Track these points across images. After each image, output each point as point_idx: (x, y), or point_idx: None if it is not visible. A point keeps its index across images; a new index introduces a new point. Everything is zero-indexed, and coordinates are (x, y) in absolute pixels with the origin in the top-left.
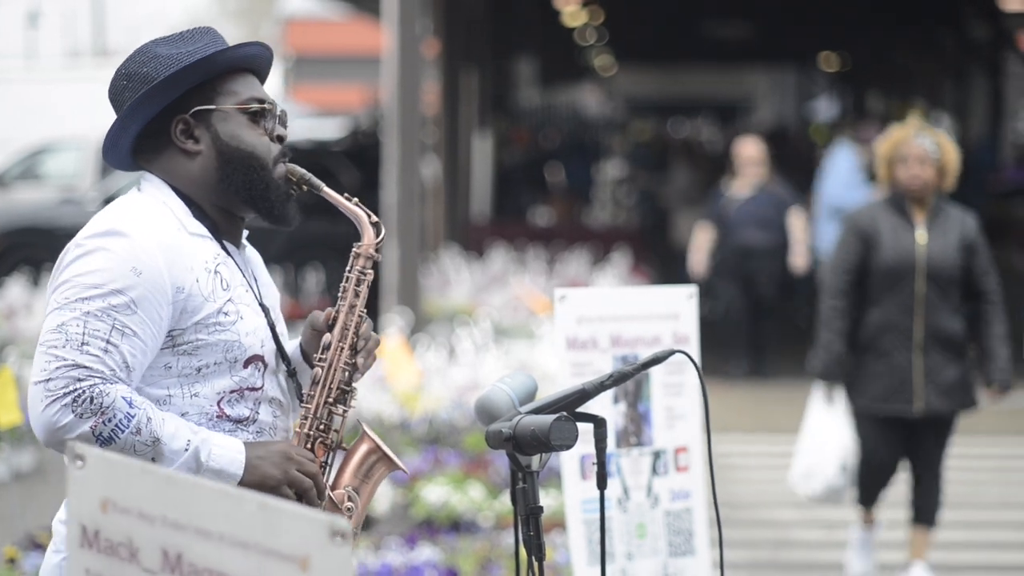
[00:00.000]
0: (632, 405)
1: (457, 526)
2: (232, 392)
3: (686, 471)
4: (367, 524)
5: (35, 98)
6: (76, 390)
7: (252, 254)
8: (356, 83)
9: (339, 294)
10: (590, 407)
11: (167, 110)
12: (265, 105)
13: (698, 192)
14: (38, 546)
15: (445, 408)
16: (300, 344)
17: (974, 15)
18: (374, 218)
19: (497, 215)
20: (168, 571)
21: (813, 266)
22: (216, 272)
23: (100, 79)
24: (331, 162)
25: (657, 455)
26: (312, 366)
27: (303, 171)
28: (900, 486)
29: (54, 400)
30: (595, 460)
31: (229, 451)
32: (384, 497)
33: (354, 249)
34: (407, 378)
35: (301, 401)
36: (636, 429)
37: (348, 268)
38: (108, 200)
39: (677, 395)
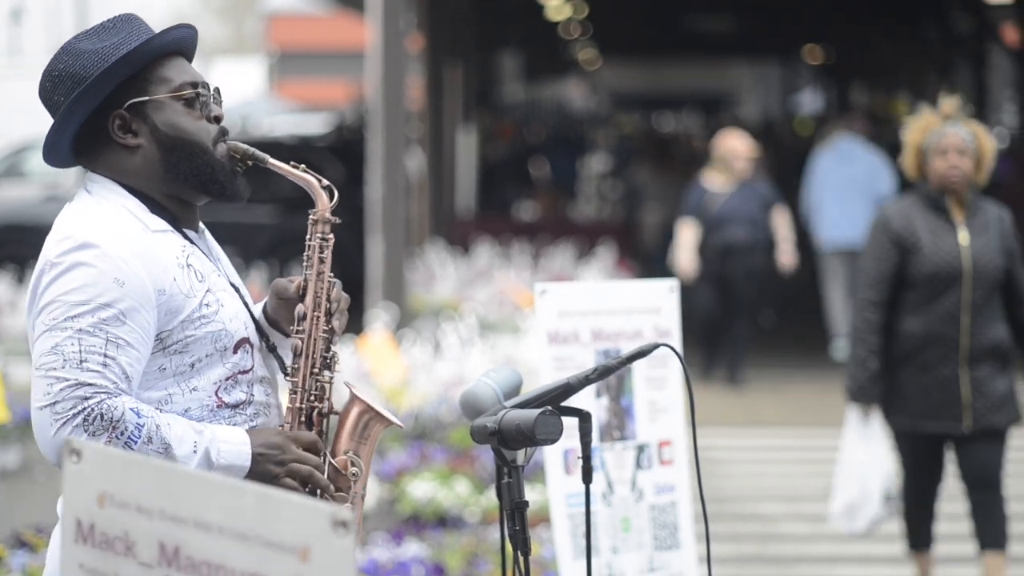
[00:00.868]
0: (615, 399)
1: (443, 521)
2: (227, 379)
3: (670, 465)
4: None
5: (19, 95)
6: (85, 408)
7: (209, 236)
8: (340, 78)
9: (304, 263)
10: (572, 402)
11: (101, 106)
12: (199, 89)
13: (661, 190)
14: (24, 544)
15: (431, 403)
16: (265, 311)
17: (958, 7)
18: (324, 182)
19: (482, 210)
20: (165, 564)
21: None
22: (188, 265)
23: None
24: (316, 157)
25: (641, 449)
26: (283, 333)
27: (245, 146)
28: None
29: (64, 422)
30: (579, 454)
31: (235, 445)
32: (370, 493)
33: (311, 216)
34: (392, 373)
35: (286, 375)
36: (619, 423)
37: (308, 236)
38: None
39: (660, 389)
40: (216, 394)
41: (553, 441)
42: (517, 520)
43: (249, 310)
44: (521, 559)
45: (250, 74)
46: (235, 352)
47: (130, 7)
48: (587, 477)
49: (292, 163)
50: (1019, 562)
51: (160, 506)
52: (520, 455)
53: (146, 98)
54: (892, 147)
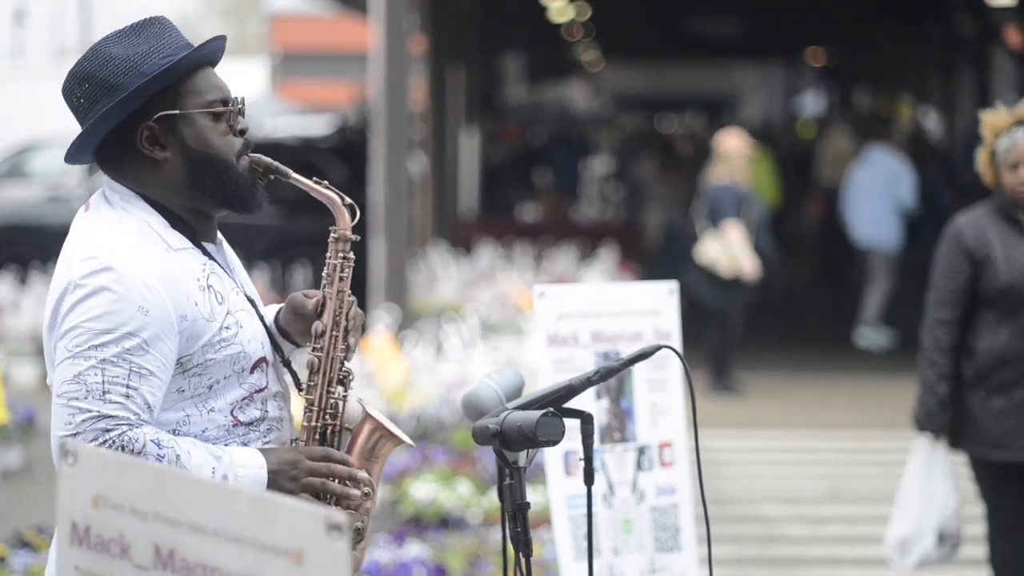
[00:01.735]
0: (615, 401)
1: (445, 523)
2: (243, 399)
3: (671, 466)
4: None
5: (22, 96)
6: (106, 441)
7: (226, 246)
8: (343, 80)
9: (324, 281)
10: (574, 403)
11: (130, 116)
12: (229, 106)
13: (665, 191)
14: (26, 545)
15: (433, 405)
16: (277, 320)
17: (961, 10)
18: (347, 200)
19: (485, 211)
20: (160, 567)
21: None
22: (209, 287)
23: None
24: (319, 159)
25: (641, 451)
26: (292, 342)
27: (268, 160)
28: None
29: None
30: (581, 456)
31: (252, 468)
32: None
33: (332, 234)
34: (395, 375)
35: (300, 390)
36: (620, 425)
37: (329, 255)
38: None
39: (660, 391)
40: (232, 414)
41: (555, 443)
42: (519, 521)
43: (265, 325)
44: (523, 560)
45: (253, 75)
46: (252, 372)
47: (133, 8)
48: (589, 479)
49: (315, 179)
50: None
51: (155, 508)
52: (522, 456)
53: (176, 111)
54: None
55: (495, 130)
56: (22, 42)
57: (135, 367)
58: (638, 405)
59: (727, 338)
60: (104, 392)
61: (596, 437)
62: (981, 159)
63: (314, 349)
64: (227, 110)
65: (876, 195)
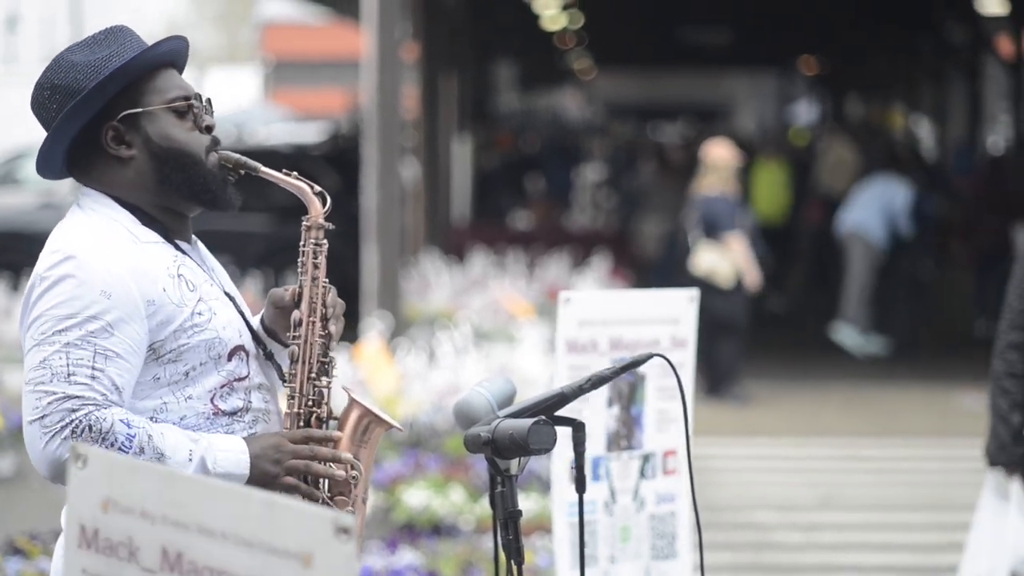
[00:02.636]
0: (625, 408)
1: (438, 530)
2: (222, 387)
3: (674, 474)
4: None
5: (14, 102)
6: (72, 421)
7: (202, 246)
8: (336, 87)
9: (299, 269)
10: (584, 411)
11: (95, 118)
12: (191, 100)
13: (664, 200)
14: (18, 551)
15: (425, 412)
16: (262, 321)
17: (952, 19)
18: (317, 188)
19: (477, 219)
20: (168, 570)
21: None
22: (179, 275)
23: None
24: (311, 166)
25: (646, 458)
26: (280, 342)
27: (236, 156)
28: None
29: (53, 435)
30: (573, 464)
31: (233, 452)
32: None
33: (304, 223)
34: (387, 382)
35: (284, 381)
36: (627, 432)
37: (302, 242)
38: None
39: (671, 399)
40: (212, 402)
41: (546, 451)
42: (511, 529)
43: (245, 318)
44: (514, 568)
45: (246, 83)
46: (229, 360)
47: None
48: (580, 487)
49: (284, 170)
50: None
51: (164, 512)
52: (513, 464)
53: (139, 109)
54: (888, 156)
55: (488, 138)
56: (15, 48)
57: (100, 349)
58: (647, 413)
59: (736, 346)
60: (69, 374)
61: (603, 444)
62: None
63: (293, 338)
64: (189, 105)
65: (870, 198)
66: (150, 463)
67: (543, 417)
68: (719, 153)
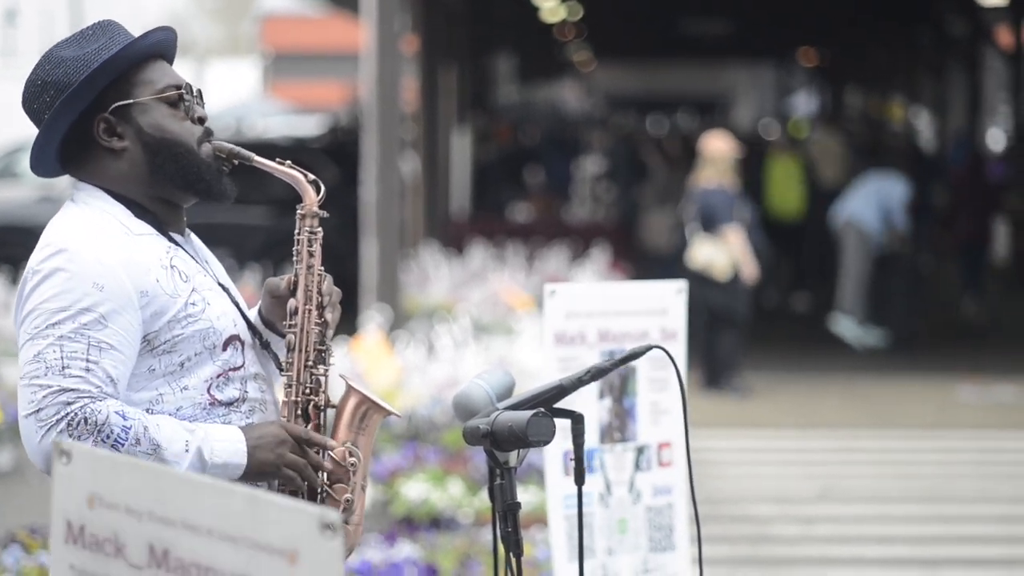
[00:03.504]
0: (617, 400)
1: (437, 523)
2: (218, 376)
3: (669, 466)
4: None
5: (13, 96)
6: (68, 414)
7: (195, 239)
8: (335, 80)
9: (294, 258)
10: (576, 403)
11: (86, 112)
12: (182, 91)
13: (671, 192)
14: (17, 543)
15: (424, 405)
16: (260, 312)
17: (952, 10)
18: (311, 176)
19: (476, 211)
20: (155, 566)
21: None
22: (172, 267)
23: None
24: (310, 159)
25: (640, 450)
26: (279, 333)
27: (230, 146)
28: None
29: (49, 428)
30: (572, 456)
31: (230, 443)
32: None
33: (299, 211)
34: (386, 375)
35: (281, 370)
36: (620, 424)
37: (297, 231)
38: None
39: (662, 390)
40: (208, 392)
41: (545, 443)
42: (509, 521)
43: (239, 308)
44: (513, 560)
45: (244, 75)
46: (224, 349)
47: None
48: (579, 479)
49: (278, 160)
50: (985, 564)
51: (149, 508)
52: (512, 457)
53: (130, 101)
54: (886, 152)
55: (487, 130)
56: (13, 41)
57: (94, 341)
58: (640, 404)
59: (735, 339)
60: (64, 367)
61: (596, 436)
62: None
63: (289, 327)
64: (180, 94)
65: (866, 192)
66: (133, 459)
67: (542, 409)
68: (717, 145)
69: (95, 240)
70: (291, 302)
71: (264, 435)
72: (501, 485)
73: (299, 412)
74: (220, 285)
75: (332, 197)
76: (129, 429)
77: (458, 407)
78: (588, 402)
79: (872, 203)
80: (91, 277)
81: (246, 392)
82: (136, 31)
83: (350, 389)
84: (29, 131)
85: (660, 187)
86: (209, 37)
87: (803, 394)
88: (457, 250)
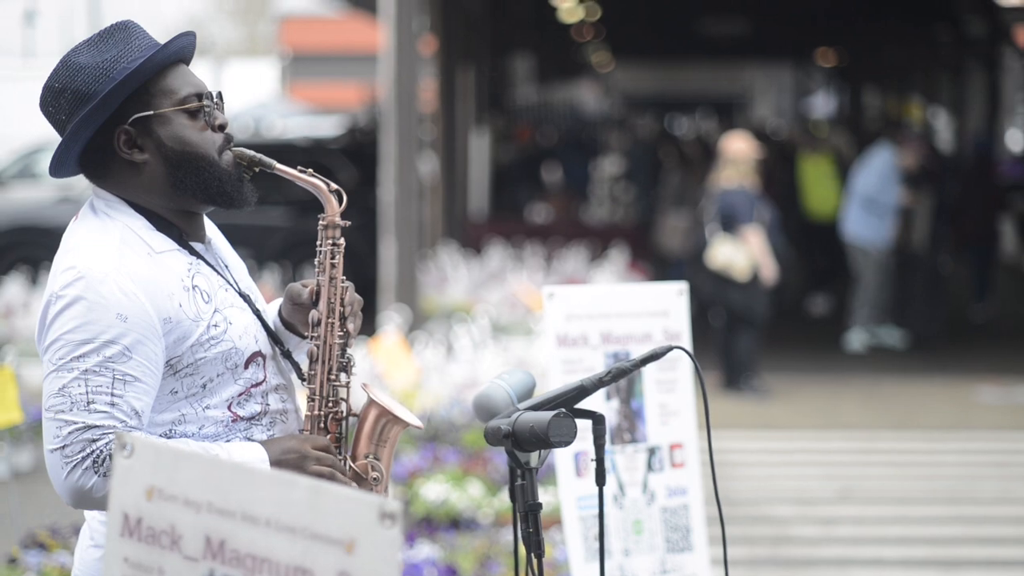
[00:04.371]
0: (625, 402)
1: (456, 524)
2: (240, 395)
3: (682, 467)
4: None
5: (32, 97)
6: (93, 451)
7: (217, 239)
8: (353, 81)
9: (316, 268)
10: (583, 405)
11: (106, 122)
12: (203, 101)
13: (690, 194)
14: (39, 545)
15: (443, 405)
16: (280, 315)
17: (971, 10)
18: (333, 186)
19: (494, 212)
20: (210, 558)
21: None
22: (194, 287)
23: None
24: (329, 160)
25: (652, 452)
26: (299, 335)
27: (251, 153)
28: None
29: (75, 466)
30: (592, 457)
31: (254, 463)
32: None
33: (321, 221)
34: (405, 375)
35: (303, 380)
36: (630, 426)
37: (319, 242)
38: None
39: (670, 391)
40: (230, 409)
41: (567, 443)
42: (530, 522)
43: (261, 318)
44: (534, 561)
45: (263, 76)
46: (247, 368)
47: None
48: (600, 479)
49: (299, 168)
50: (1005, 565)
51: (208, 499)
52: (534, 457)
53: (151, 112)
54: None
55: (505, 131)
56: (32, 42)
57: (119, 374)
58: (648, 406)
59: (754, 340)
60: (89, 403)
61: (607, 438)
62: None
63: (312, 339)
64: (201, 105)
65: (865, 193)
66: (194, 451)
67: (563, 410)
68: (738, 146)
69: (118, 266)
70: (313, 313)
71: (286, 448)
72: (522, 486)
73: (321, 425)
74: (241, 294)
75: (351, 198)
76: None
77: (479, 407)
78: (595, 404)
79: (863, 210)
80: (115, 308)
81: (267, 405)
82: (154, 33)
83: (371, 401)
84: (48, 132)
85: (675, 189)
86: (227, 38)
87: (823, 395)
88: (475, 250)
